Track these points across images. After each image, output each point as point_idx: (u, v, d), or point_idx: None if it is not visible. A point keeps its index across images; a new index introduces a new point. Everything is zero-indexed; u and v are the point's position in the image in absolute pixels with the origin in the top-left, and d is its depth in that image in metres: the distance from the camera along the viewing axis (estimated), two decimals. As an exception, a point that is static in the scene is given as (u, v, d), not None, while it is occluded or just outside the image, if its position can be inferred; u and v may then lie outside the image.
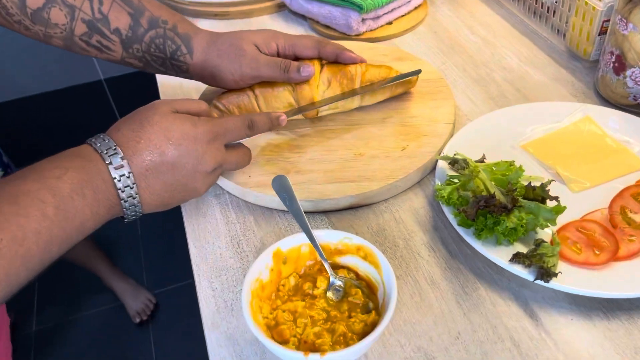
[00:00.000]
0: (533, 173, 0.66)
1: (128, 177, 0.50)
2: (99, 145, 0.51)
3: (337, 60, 0.72)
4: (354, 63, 0.72)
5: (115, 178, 0.50)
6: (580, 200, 0.63)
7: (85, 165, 0.49)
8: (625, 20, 0.69)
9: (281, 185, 0.57)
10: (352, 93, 0.72)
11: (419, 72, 0.75)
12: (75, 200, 0.47)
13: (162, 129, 0.53)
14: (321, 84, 0.72)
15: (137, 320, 1.78)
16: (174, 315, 1.81)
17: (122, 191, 0.50)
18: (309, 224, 0.55)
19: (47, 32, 0.66)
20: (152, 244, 2.02)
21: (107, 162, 0.50)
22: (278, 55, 0.72)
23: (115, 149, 0.51)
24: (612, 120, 0.71)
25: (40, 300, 1.90)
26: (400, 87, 0.76)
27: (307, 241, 0.55)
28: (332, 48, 0.72)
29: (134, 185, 0.51)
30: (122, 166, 0.50)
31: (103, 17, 0.66)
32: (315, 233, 0.55)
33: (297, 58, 0.73)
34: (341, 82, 0.72)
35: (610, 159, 0.67)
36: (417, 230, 0.63)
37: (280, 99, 0.72)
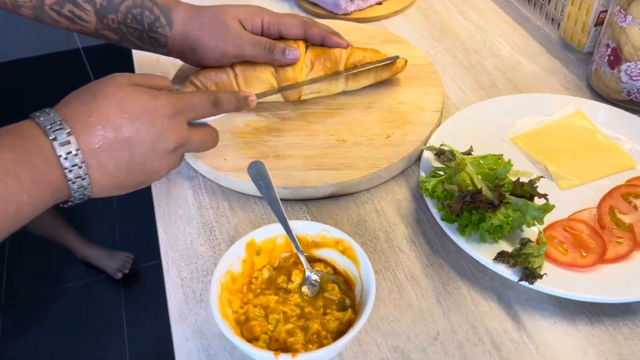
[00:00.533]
0: (521, 168, 0.64)
1: (76, 155, 0.44)
2: (42, 119, 0.44)
3: (323, 44, 0.69)
4: (340, 46, 0.69)
5: (60, 156, 0.43)
6: (569, 198, 0.61)
7: (23, 143, 0.43)
8: (624, 12, 0.66)
9: (258, 172, 0.54)
10: (336, 74, 0.69)
11: (397, 57, 0.71)
12: (8, 184, 0.41)
13: (117, 101, 0.46)
14: (304, 67, 0.68)
15: (120, 275, 1.77)
16: (150, 295, 1.77)
17: (70, 171, 0.44)
18: (285, 214, 0.52)
19: (15, 1, 0.61)
20: (128, 220, 1.98)
21: (51, 137, 0.43)
22: (262, 32, 0.68)
23: (60, 124, 0.44)
24: (604, 116, 0.69)
25: (10, 276, 1.85)
26: (385, 72, 0.72)
27: (283, 232, 0.52)
28: (318, 30, 0.68)
29: (83, 165, 0.44)
30: (68, 142, 0.43)
31: None
32: (292, 224, 0.52)
33: (281, 37, 0.69)
34: (325, 64, 0.69)
35: (601, 156, 0.65)
36: (399, 222, 0.61)
37: (261, 80, 0.68)
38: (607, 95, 0.73)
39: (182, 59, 0.69)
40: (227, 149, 0.66)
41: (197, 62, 0.68)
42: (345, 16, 0.90)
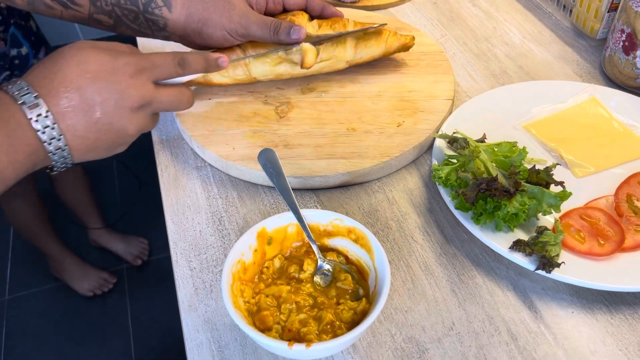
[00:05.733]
0: (536, 155, 0.63)
1: (46, 117, 0.45)
2: (10, 87, 0.45)
3: (322, 15, 0.69)
4: (337, 16, 0.70)
5: (31, 119, 0.44)
6: (584, 186, 0.59)
7: None
8: (640, -4, 0.65)
9: (268, 160, 0.53)
10: (344, 28, 0.68)
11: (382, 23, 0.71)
12: None
13: (77, 62, 0.47)
14: (310, 27, 0.67)
15: (139, 262, 1.77)
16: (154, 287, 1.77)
17: (42, 132, 0.45)
18: (297, 203, 0.51)
19: None
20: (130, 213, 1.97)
21: (19, 102, 0.44)
22: (267, 3, 0.67)
23: (27, 89, 0.45)
24: (619, 103, 0.67)
25: (14, 270, 1.84)
26: (395, 43, 0.71)
27: (295, 221, 0.51)
28: (318, 1, 0.69)
29: (55, 126, 0.45)
30: (37, 105, 0.45)
31: None
32: (304, 213, 0.51)
33: (284, 7, 0.68)
34: (332, 26, 0.68)
35: (616, 143, 0.63)
36: (411, 212, 0.59)
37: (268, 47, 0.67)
38: (621, 82, 0.72)
39: (183, 43, 0.68)
40: (235, 137, 0.65)
41: (201, 43, 0.66)
42: (353, 4, 0.89)
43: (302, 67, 0.66)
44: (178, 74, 0.53)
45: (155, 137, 0.69)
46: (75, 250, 1.74)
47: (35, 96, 0.45)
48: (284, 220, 0.51)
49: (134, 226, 1.88)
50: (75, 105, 0.46)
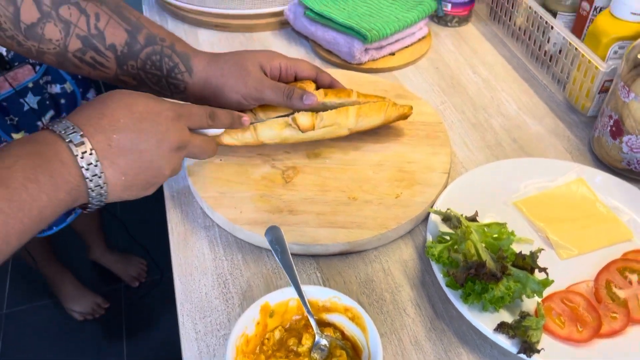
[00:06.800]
0: (523, 234, 0.67)
1: (91, 154, 0.48)
2: (56, 127, 0.48)
3: (330, 87, 0.74)
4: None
5: (77, 156, 0.47)
6: (567, 268, 0.63)
7: (41, 149, 0.47)
8: (627, 88, 0.69)
9: (274, 237, 0.57)
10: (348, 97, 0.73)
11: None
12: (29, 189, 0.45)
13: (126, 104, 0.52)
14: (317, 94, 0.71)
15: (136, 284, 1.81)
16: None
17: (87, 169, 0.48)
18: (298, 278, 0.55)
19: (40, 47, 0.64)
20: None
21: (67, 140, 0.47)
22: (280, 73, 0.72)
23: (74, 128, 0.48)
24: (604, 183, 0.72)
25: (12, 285, 1.87)
26: (394, 113, 0.75)
27: (296, 296, 0.54)
28: (328, 77, 0.74)
29: (98, 163, 0.48)
30: (82, 143, 0.48)
31: (99, 33, 0.64)
32: (305, 289, 0.54)
33: (296, 77, 0.73)
34: (337, 94, 0.73)
35: (600, 226, 0.68)
36: (404, 284, 0.63)
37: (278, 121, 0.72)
38: (608, 163, 0.76)
39: (198, 104, 0.72)
40: (243, 201, 0.69)
41: (216, 105, 0.71)
42: (359, 66, 0.93)
43: (300, 130, 0.70)
44: (209, 125, 0.61)
45: (167, 192, 0.73)
46: (74, 267, 1.77)
47: (81, 134, 0.48)
48: (285, 295, 0.55)
49: (134, 246, 1.91)
50: (119, 143, 0.50)
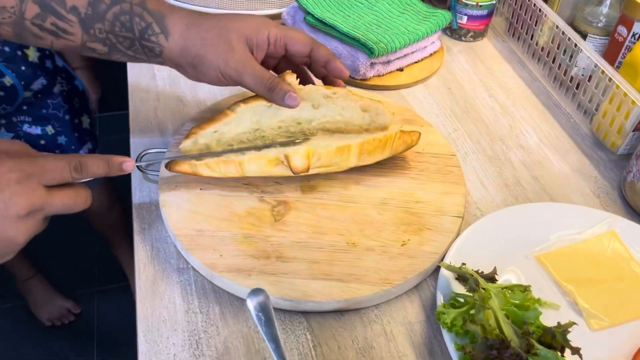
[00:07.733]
0: (547, 295, 0.58)
1: None
2: None
3: (326, 67, 0.64)
4: (342, 75, 0.64)
5: None
6: (598, 341, 0.55)
7: None
8: (673, 132, 0.60)
9: (259, 304, 0.47)
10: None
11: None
12: None
13: None
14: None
15: (49, 323, 1.64)
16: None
17: None
18: (286, 356, 0.45)
19: None
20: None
21: None
22: (269, 45, 0.62)
23: None
24: None
25: None
26: (401, 147, 0.66)
27: (282, 377, 0.45)
28: (325, 52, 0.63)
29: None
30: None
31: None
32: (293, 368, 0.45)
33: (286, 51, 0.63)
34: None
35: (635, 291, 0.59)
36: (409, 353, 0.54)
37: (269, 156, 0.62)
38: (641, 212, 0.67)
39: (178, 71, 0.63)
40: (224, 241, 0.59)
41: (194, 77, 0.62)
42: (363, 82, 0.84)
43: (293, 172, 0.61)
44: (74, 179, 0.50)
45: (136, 226, 0.63)
46: (46, 268, 1.66)
47: None
48: (269, 375, 0.45)
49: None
50: None
